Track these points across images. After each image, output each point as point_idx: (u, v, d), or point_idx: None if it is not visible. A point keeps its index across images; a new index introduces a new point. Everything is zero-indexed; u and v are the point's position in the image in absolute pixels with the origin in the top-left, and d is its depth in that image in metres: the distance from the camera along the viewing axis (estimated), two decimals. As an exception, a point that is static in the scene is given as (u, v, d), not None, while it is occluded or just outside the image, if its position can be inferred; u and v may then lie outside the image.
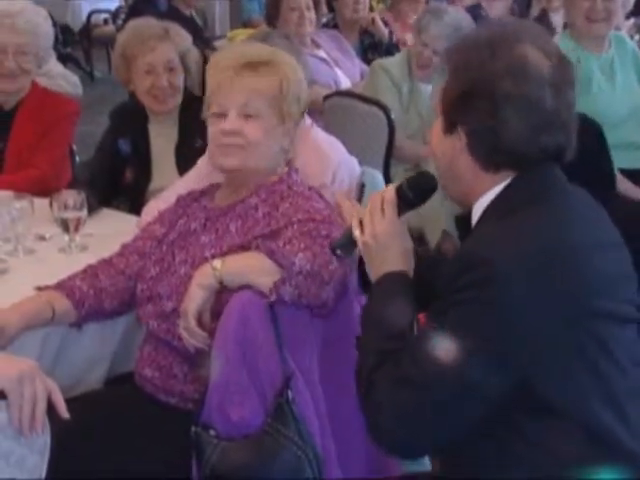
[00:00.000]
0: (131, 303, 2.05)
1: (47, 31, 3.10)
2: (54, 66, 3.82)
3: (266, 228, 1.90)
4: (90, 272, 2.04)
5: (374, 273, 1.62)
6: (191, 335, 1.80)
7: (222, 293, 1.80)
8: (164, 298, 1.93)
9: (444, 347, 1.41)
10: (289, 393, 1.71)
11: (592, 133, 2.96)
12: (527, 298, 1.39)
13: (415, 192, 1.64)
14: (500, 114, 1.48)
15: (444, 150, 1.57)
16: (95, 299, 2.00)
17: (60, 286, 2.00)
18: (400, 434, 1.45)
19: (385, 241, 1.60)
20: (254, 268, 1.76)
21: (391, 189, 1.64)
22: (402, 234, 1.62)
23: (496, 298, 1.39)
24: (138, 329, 2.10)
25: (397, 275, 1.59)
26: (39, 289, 1.99)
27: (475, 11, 4.94)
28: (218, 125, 1.95)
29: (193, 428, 1.75)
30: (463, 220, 1.63)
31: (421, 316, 1.52)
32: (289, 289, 1.72)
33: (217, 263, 1.78)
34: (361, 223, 1.63)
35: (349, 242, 1.67)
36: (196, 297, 1.79)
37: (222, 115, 1.95)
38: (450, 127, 1.55)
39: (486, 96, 1.49)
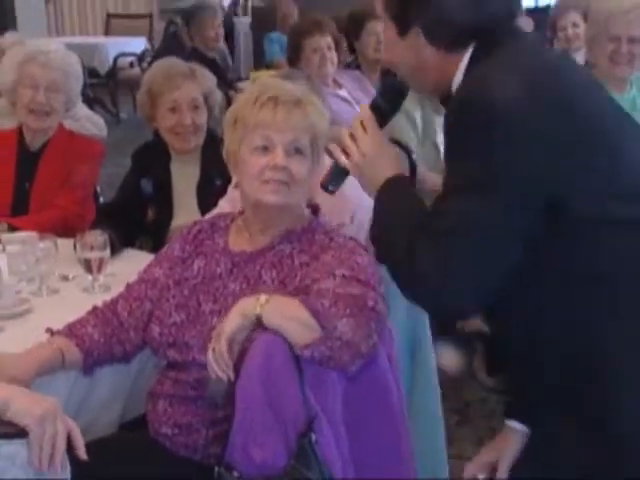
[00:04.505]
0: (135, 352, 2.04)
1: (78, 74, 3.14)
2: (80, 109, 3.86)
3: (306, 279, 1.87)
4: (101, 317, 2.02)
5: (373, 185, 1.64)
6: (217, 359, 1.73)
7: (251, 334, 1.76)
8: (194, 349, 1.90)
9: (466, 194, 1.45)
10: (312, 435, 1.69)
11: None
12: (530, 130, 1.42)
13: (387, 101, 1.70)
14: None
15: (405, 52, 1.61)
16: (104, 347, 1.99)
17: (71, 334, 1.97)
18: (448, 287, 1.46)
19: (375, 153, 1.65)
20: (296, 318, 1.72)
21: (365, 107, 1.71)
22: (388, 143, 1.69)
23: (502, 135, 1.42)
24: (150, 371, 2.09)
25: (398, 178, 1.63)
26: (51, 333, 1.97)
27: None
28: (262, 159, 1.91)
29: (216, 468, 1.72)
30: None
31: None
32: (323, 350, 1.70)
33: (263, 298, 1.75)
34: (344, 151, 1.68)
35: (338, 173, 1.70)
36: (233, 322, 1.74)
37: (266, 149, 1.92)
38: (404, 28, 1.59)
39: None
